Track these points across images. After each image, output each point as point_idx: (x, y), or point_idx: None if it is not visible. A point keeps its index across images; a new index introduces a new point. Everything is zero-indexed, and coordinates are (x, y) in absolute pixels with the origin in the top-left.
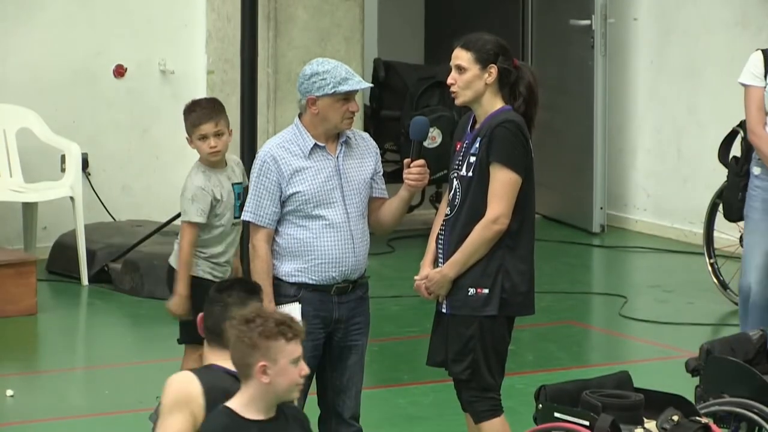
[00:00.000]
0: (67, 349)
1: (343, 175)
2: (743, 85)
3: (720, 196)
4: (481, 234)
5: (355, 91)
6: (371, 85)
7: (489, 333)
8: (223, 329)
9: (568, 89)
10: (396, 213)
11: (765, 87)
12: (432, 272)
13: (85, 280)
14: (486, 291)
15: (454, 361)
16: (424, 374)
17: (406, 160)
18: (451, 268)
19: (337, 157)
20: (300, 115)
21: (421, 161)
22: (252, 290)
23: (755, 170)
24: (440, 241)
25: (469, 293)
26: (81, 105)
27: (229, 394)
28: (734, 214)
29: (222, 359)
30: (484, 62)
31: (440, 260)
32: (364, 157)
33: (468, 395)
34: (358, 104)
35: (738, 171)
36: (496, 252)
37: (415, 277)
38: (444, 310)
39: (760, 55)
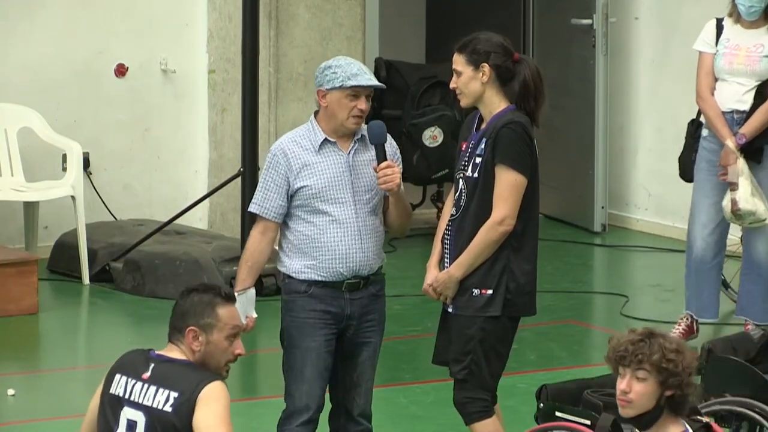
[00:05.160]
0: (68, 348)
1: (354, 172)
2: (698, 51)
3: None
4: (486, 235)
5: (363, 88)
6: (383, 85)
7: (492, 334)
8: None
9: (570, 88)
10: (396, 214)
11: (715, 53)
12: (439, 274)
13: (86, 280)
14: (490, 291)
15: (454, 360)
16: (425, 373)
17: (372, 165)
18: (457, 269)
19: (349, 154)
20: (316, 112)
21: (386, 162)
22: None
23: (703, 132)
24: (446, 242)
25: (474, 294)
26: (82, 104)
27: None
28: (687, 175)
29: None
30: (475, 63)
31: (446, 260)
32: None
33: (462, 395)
34: (368, 105)
35: (693, 133)
36: (501, 253)
37: (426, 281)
38: (450, 310)
39: (713, 23)
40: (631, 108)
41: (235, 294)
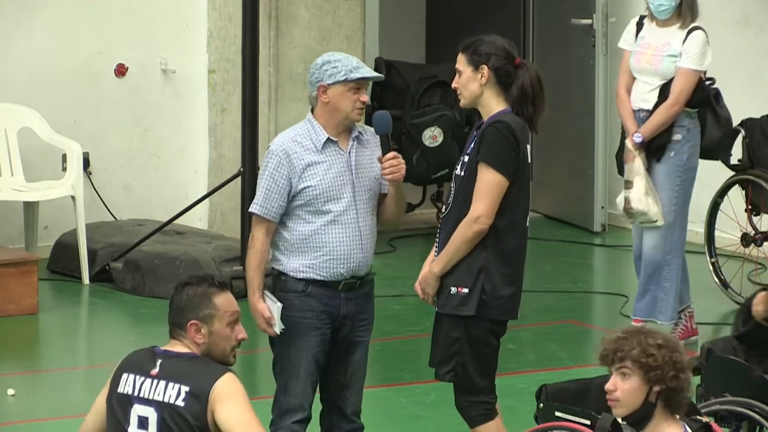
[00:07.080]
0: (68, 348)
1: (355, 171)
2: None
3: (721, 195)
4: (462, 232)
5: (366, 80)
6: (382, 76)
7: (472, 335)
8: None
9: (570, 88)
10: (393, 210)
11: (632, 51)
12: (424, 271)
13: (86, 279)
14: (466, 290)
15: (440, 363)
16: (425, 373)
17: (377, 156)
18: (436, 264)
19: (349, 153)
20: (312, 110)
21: (393, 153)
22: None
23: None
24: (436, 240)
25: (452, 292)
26: (82, 104)
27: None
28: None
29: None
30: (475, 63)
31: (436, 257)
32: (375, 153)
33: (460, 400)
34: (368, 97)
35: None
36: (480, 253)
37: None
38: (437, 309)
39: (635, 21)
40: None
41: (265, 298)
